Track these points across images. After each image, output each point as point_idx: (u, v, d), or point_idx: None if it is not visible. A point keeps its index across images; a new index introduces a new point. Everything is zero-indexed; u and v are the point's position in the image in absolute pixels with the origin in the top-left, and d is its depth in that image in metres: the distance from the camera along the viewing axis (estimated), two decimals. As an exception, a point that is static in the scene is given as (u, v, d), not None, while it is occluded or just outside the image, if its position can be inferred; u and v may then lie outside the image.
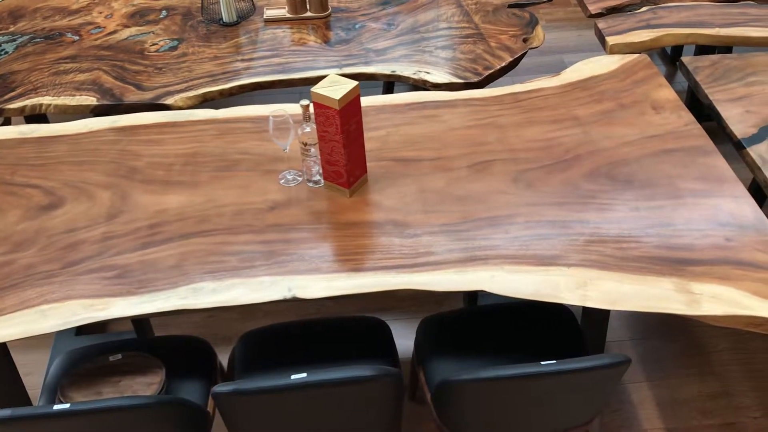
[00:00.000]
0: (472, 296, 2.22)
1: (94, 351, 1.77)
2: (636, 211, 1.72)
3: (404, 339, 2.30)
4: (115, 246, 1.69)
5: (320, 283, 1.58)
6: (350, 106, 1.66)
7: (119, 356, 1.70)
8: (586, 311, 1.92)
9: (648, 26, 2.37)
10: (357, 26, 2.46)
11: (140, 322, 2.20)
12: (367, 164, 1.88)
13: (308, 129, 1.73)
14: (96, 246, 1.69)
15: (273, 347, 1.77)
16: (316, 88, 1.64)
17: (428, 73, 2.21)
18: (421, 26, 2.44)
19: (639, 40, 2.31)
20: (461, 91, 2.14)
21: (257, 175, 1.87)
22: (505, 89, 2.14)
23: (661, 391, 2.13)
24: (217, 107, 2.13)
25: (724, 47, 2.81)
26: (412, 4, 2.57)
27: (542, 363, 1.33)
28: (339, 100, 1.61)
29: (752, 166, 1.85)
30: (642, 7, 2.49)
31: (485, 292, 1.55)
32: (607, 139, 1.93)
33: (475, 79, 2.18)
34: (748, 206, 1.72)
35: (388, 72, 2.23)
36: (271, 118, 1.73)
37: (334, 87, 1.64)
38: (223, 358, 2.27)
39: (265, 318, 2.41)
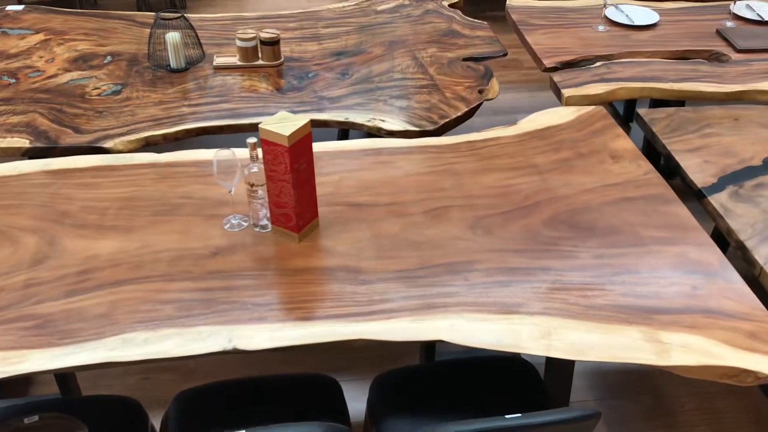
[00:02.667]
0: (430, 352, 2.10)
1: (8, 413, 1.58)
2: (599, 258, 1.64)
3: (358, 402, 2.15)
4: (38, 294, 1.53)
5: (264, 333, 1.44)
6: (301, 144, 1.56)
7: (35, 418, 1.51)
8: (550, 364, 1.82)
9: (603, 80, 2.36)
10: (310, 75, 2.40)
11: (65, 381, 2.01)
12: (319, 209, 1.77)
13: (255, 169, 1.63)
14: (15, 294, 1.53)
15: (210, 408, 1.61)
16: (265, 124, 1.54)
17: (383, 120, 2.14)
18: (375, 76, 2.39)
19: (594, 93, 2.30)
20: (416, 138, 2.08)
21: (200, 219, 1.74)
22: (461, 137, 2.08)
23: (627, 454, 2.02)
24: (161, 152, 2.01)
25: (677, 102, 2.83)
26: (367, 55, 2.53)
27: (506, 416, 1.21)
28: (289, 136, 1.52)
29: (714, 214, 1.81)
30: (596, 62, 2.50)
31: (444, 346, 1.44)
32: (566, 187, 1.87)
33: (430, 128, 2.13)
34: (713, 254, 1.66)
35: (341, 119, 2.16)
36: (215, 157, 1.62)
37: (284, 123, 1.55)
38: (159, 422, 2.07)
39: (206, 379, 2.24)
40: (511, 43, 3.99)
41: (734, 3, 2.82)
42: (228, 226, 1.71)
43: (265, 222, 1.70)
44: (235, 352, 1.41)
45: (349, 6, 2.92)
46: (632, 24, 2.72)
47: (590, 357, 1.41)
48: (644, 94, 2.35)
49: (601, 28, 2.71)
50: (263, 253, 1.64)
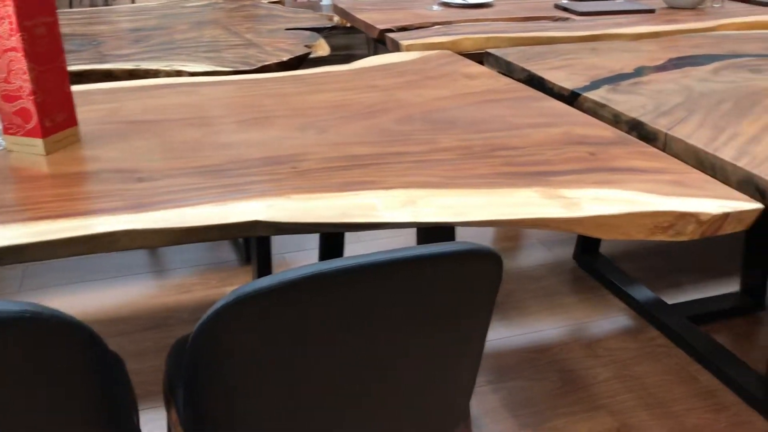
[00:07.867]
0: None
1: None
2: (467, 141, 1.25)
3: None
4: None
5: (-34, 237, 0.89)
6: (33, -9, 1.09)
7: None
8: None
9: (445, 35, 2.08)
10: (94, 43, 1.94)
11: None
12: (85, 128, 1.27)
13: (-29, 45, 1.12)
14: None
15: None
16: (-26, -39, 1.06)
17: (184, 65, 1.70)
18: (178, 41, 1.97)
19: (437, 41, 2.00)
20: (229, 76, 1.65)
21: None
22: (284, 74, 1.68)
23: (540, 446, 1.54)
24: None
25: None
26: (169, 30, 2.12)
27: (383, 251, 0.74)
28: (8, -32, 1.04)
29: (595, 106, 1.49)
30: (433, 27, 2.23)
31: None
32: (417, 98, 1.50)
33: (246, 68, 1.71)
34: (605, 129, 1.32)
35: (130, 67, 1.69)
36: None
37: (4, -40, 1.07)
38: None
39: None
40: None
41: (566, -11, 2.72)
42: (-59, 149, 1.17)
43: (-3, 136, 1.17)
44: None
45: (151, 4, 2.53)
46: (467, 3, 2.51)
47: (475, 217, 0.97)
48: (490, 44, 2.08)
49: (435, 7, 2.49)
50: (-12, 167, 1.10)
